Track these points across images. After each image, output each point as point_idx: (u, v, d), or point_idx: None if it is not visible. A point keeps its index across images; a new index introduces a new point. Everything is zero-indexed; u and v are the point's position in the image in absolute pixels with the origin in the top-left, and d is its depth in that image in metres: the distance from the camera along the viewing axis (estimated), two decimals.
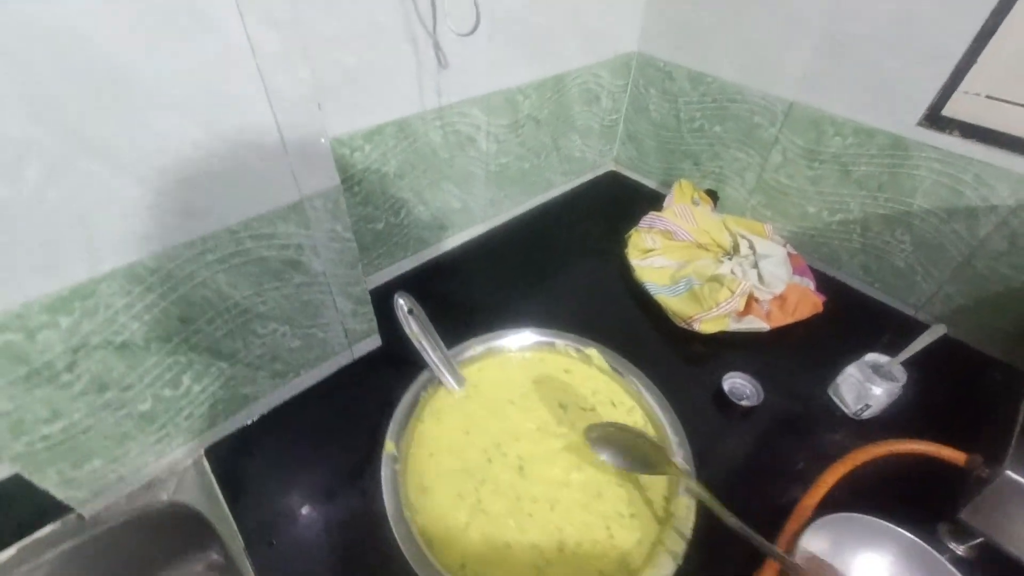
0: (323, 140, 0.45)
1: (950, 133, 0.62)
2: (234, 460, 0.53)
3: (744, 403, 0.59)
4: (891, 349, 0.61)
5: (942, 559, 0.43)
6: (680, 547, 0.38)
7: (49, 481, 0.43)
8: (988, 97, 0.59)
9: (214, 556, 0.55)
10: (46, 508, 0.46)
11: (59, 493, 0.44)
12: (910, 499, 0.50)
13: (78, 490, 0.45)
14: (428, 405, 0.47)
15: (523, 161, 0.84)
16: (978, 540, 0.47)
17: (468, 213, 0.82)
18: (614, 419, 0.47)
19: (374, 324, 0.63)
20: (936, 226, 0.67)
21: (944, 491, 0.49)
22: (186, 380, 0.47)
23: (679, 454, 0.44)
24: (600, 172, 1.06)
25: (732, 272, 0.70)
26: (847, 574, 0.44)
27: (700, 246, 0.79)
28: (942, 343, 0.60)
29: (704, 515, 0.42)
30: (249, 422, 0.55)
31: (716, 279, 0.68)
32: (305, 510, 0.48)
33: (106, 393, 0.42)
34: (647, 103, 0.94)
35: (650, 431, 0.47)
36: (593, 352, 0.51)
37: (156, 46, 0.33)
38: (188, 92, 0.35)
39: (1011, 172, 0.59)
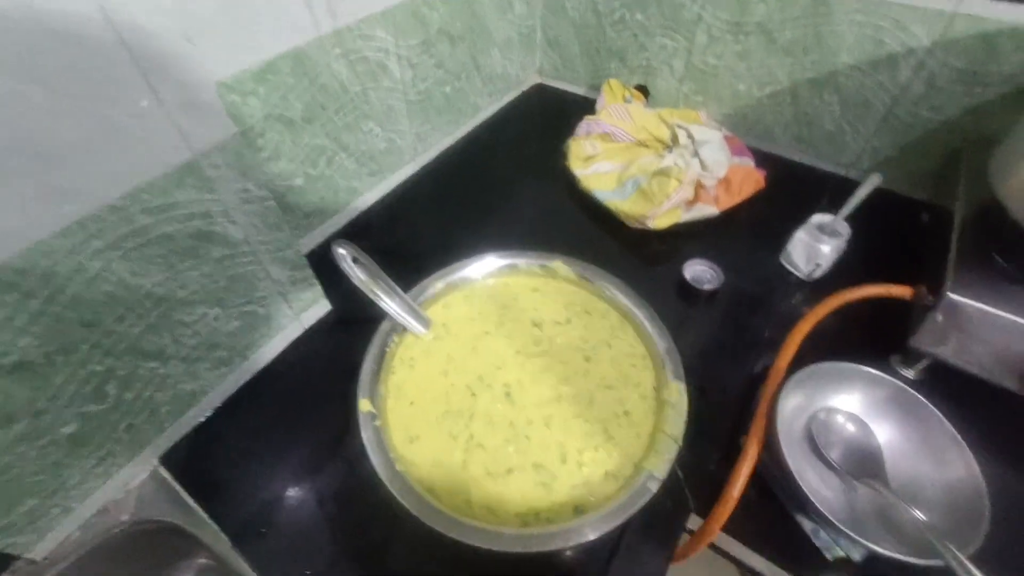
0: (208, 85, 0.37)
1: None
2: (196, 462, 0.48)
3: (707, 287, 0.60)
4: (831, 209, 0.63)
5: (899, 383, 0.46)
6: (679, 428, 0.38)
7: None
8: None
9: (201, 561, 0.52)
10: None
11: None
12: (864, 339, 0.54)
13: (18, 535, 0.40)
14: (397, 354, 0.44)
15: (444, 85, 0.77)
16: (925, 363, 0.52)
17: (396, 153, 0.75)
18: (589, 325, 0.46)
19: (318, 289, 0.57)
20: (861, 81, 0.68)
21: (892, 326, 0.53)
22: (112, 390, 0.41)
23: (661, 345, 0.44)
24: (526, 87, 1.00)
25: (676, 164, 0.69)
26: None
27: (640, 143, 0.77)
28: (876, 195, 0.63)
29: (694, 395, 0.43)
30: (203, 419, 0.50)
31: (662, 173, 0.67)
32: (290, 492, 0.46)
33: (15, 425, 0.36)
34: (563, 2, 0.87)
35: (628, 328, 0.46)
36: (558, 264, 0.49)
37: None
38: (11, 40, 0.27)
39: (926, 10, 0.59)
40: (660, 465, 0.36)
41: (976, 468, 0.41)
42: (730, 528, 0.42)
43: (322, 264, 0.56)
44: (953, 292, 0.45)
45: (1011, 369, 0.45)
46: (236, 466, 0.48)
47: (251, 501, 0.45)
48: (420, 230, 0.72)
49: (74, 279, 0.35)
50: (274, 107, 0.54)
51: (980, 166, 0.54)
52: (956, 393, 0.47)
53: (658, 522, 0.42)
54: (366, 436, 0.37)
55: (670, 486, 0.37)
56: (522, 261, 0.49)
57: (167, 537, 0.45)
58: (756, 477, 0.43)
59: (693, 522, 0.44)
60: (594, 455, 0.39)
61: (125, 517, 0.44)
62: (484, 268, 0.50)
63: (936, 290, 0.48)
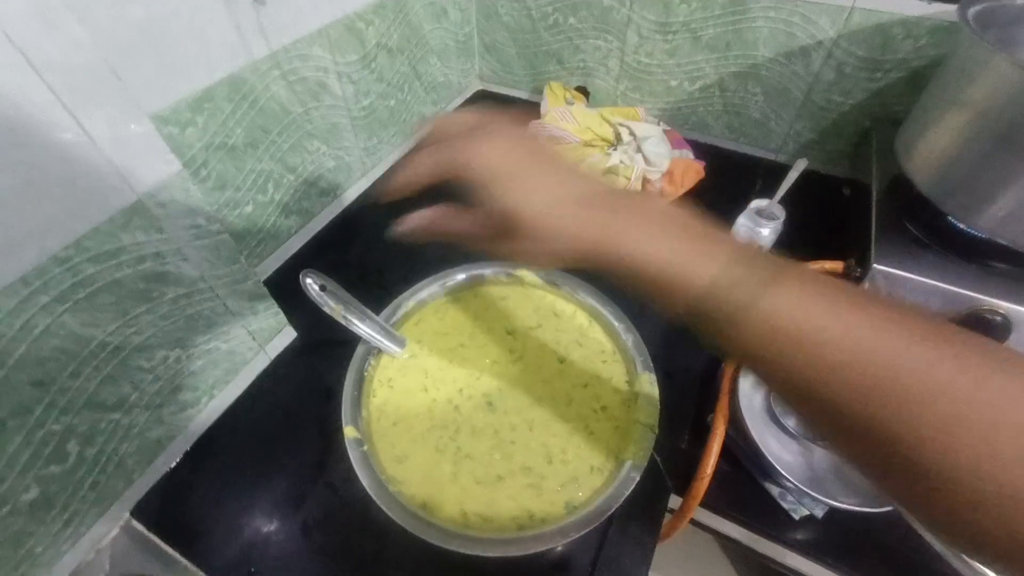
0: (142, 119, 0.36)
1: None
2: (171, 510, 0.46)
3: None
4: (765, 193, 0.68)
5: None
6: (654, 417, 0.41)
7: None
8: None
9: None
10: None
11: None
12: None
13: None
14: (375, 377, 0.44)
15: (387, 99, 0.77)
16: None
17: (346, 170, 0.74)
18: (559, 327, 0.48)
19: (281, 316, 0.56)
20: (779, 71, 0.73)
21: None
22: (72, 448, 0.39)
23: (628, 339, 0.46)
24: (469, 93, 1.01)
25: (622, 161, 0.72)
26: None
27: (587, 144, 0.80)
28: (803, 176, 0.69)
29: (664, 384, 0.45)
30: (173, 464, 0.49)
31: (611, 171, 0.70)
32: (275, 526, 0.45)
33: None
34: (496, 8, 0.89)
35: (596, 327, 0.48)
36: (524, 272, 0.50)
37: None
38: None
39: (829, 4, 0.65)
40: (640, 454, 0.39)
41: None
42: (706, 502, 0.45)
43: (282, 291, 0.55)
44: (877, 263, 0.50)
45: None
46: (214, 508, 0.46)
47: (235, 541, 0.44)
48: (379, 243, 0.71)
49: (20, 339, 0.33)
50: (214, 135, 0.53)
51: (888, 144, 0.60)
52: None
53: (642, 507, 0.44)
54: (356, 460, 0.37)
55: (650, 471, 0.40)
56: (488, 271, 0.50)
57: None
58: (725, 451, 0.46)
59: (673, 502, 0.47)
60: (577, 451, 0.41)
61: None
62: (450, 282, 0.51)
63: (863, 261, 0.53)
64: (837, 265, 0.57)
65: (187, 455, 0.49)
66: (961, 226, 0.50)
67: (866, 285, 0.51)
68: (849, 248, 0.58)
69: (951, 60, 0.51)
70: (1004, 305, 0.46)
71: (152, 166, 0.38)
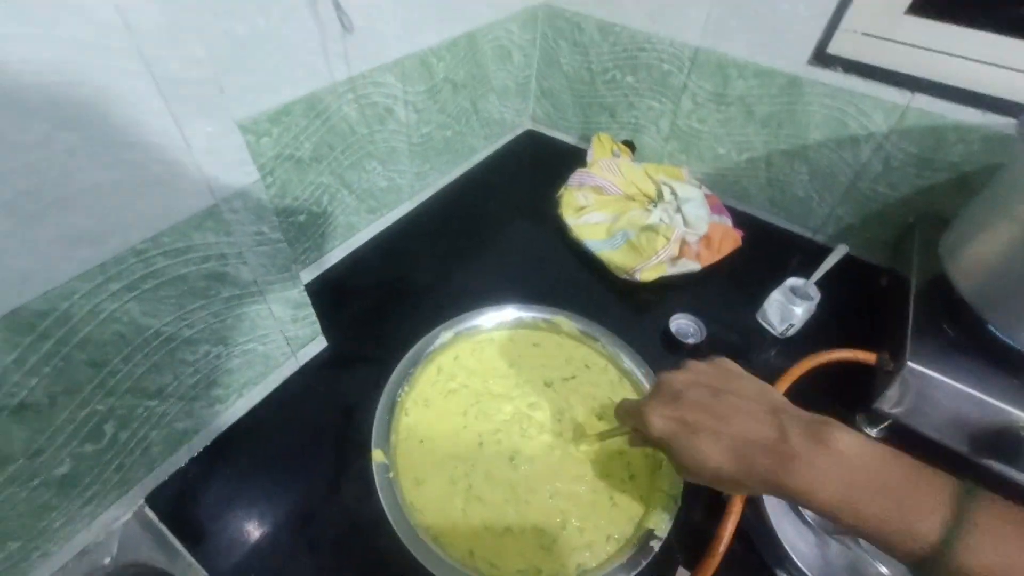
0: (233, 129, 0.38)
1: (835, 69, 0.68)
2: (183, 503, 0.47)
3: (690, 341, 0.63)
4: (801, 270, 0.68)
5: None
6: (678, 488, 0.41)
7: None
8: (864, 34, 0.66)
9: None
10: None
11: None
12: (834, 398, 0.58)
13: None
14: (411, 396, 0.45)
15: (445, 129, 0.80)
16: (887, 424, 0.56)
17: (396, 191, 0.77)
18: (592, 380, 0.48)
19: (317, 326, 0.58)
20: (828, 156, 0.75)
21: (859, 387, 0.57)
22: (109, 429, 0.40)
23: None
24: (518, 132, 1.04)
25: (661, 219, 0.74)
26: None
27: (628, 197, 0.82)
28: (842, 259, 0.69)
29: None
30: (192, 457, 0.49)
31: (651, 228, 0.71)
32: (283, 537, 0.45)
33: (9, 467, 0.35)
34: (558, 56, 0.93)
35: (627, 384, 0.49)
36: (561, 320, 0.51)
37: None
38: (51, 91, 0.28)
39: (883, 101, 0.67)
40: (662, 524, 0.38)
41: None
42: None
43: (318, 299, 0.57)
44: (912, 361, 0.50)
45: (963, 435, 0.50)
46: (225, 508, 0.47)
47: (240, 545, 0.44)
48: (415, 266, 0.73)
49: (89, 321, 0.35)
50: (285, 147, 0.56)
51: (931, 241, 0.60)
52: (914, 452, 0.52)
53: None
54: (380, 487, 0.38)
55: (663, 543, 0.39)
56: (527, 315, 0.51)
57: None
58: (740, 532, 0.45)
59: (681, 574, 0.46)
60: (597, 522, 0.40)
61: (107, 560, 0.43)
62: (496, 319, 0.51)
63: (896, 357, 0.52)
64: (870, 356, 0.56)
65: (207, 450, 0.50)
66: (1002, 337, 0.50)
67: (898, 383, 0.51)
68: (883, 341, 0.58)
69: (1006, 172, 0.52)
70: None
71: (234, 174, 0.40)
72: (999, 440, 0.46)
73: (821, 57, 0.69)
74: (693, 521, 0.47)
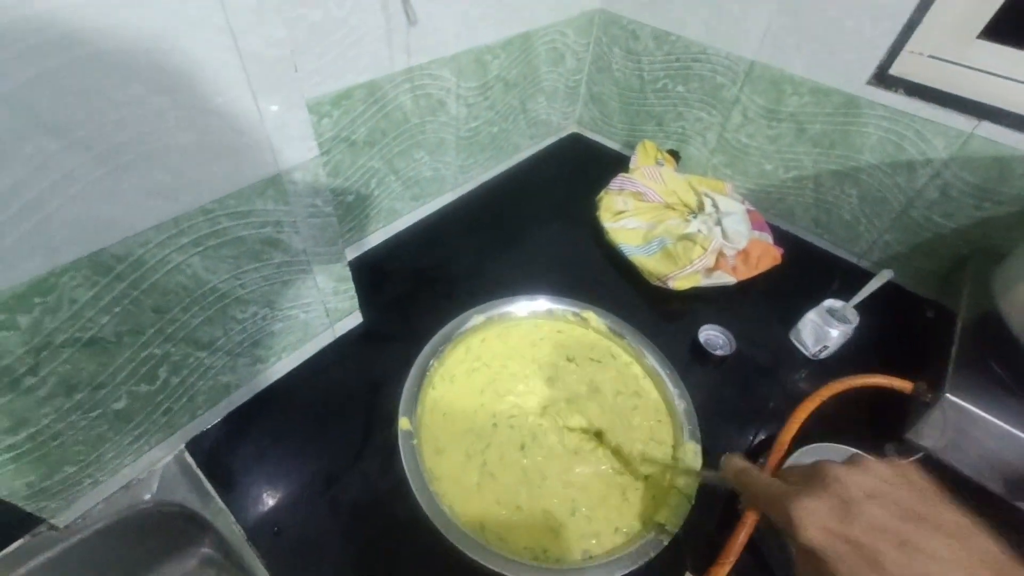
0: (301, 107, 0.41)
1: (896, 91, 0.67)
2: (220, 452, 0.50)
3: (719, 353, 0.63)
4: (840, 294, 0.67)
5: None
6: (692, 488, 0.41)
7: (17, 495, 0.39)
8: (931, 57, 0.64)
9: (206, 551, 0.53)
10: (12, 522, 0.42)
11: (28, 506, 0.41)
12: (864, 424, 0.57)
13: (50, 500, 0.42)
14: (439, 372, 0.47)
15: (492, 125, 0.82)
16: (918, 455, 0.54)
17: (440, 181, 0.79)
18: (615, 369, 0.49)
19: (355, 301, 0.60)
20: (880, 179, 0.73)
21: (890, 415, 0.55)
22: (163, 373, 0.44)
23: (680, 404, 0.46)
24: (563, 135, 1.05)
25: (700, 231, 0.73)
26: None
27: (668, 206, 0.81)
28: (885, 286, 0.67)
29: (705, 458, 0.45)
30: (231, 411, 0.53)
31: (688, 238, 0.71)
32: (307, 495, 0.47)
33: (76, 395, 0.38)
34: (610, 62, 0.93)
35: (649, 385, 0.49)
36: (591, 315, 0.52)
37: (111, 3, 0.28)
38: (150, 57, 0.31)
39: (947, 127, 0.65)
40: (673, 520, 0.39)
41: None
42: None
43: (358, 277, 0.59)
44: (952, 394, 0.48)
45: (999, 474, 0.48)
46: (257, 461, 0.49)
47: (268, 498, 0.47)
48: (452, 255, 0.75)
49: (158, 269, 0.38)
50: (342, 129, 0.59)
51: (984, 275, 0.58)
52: (946, 489, 0.50)
53: None
54: (404, 452, 0.40)
55: (672, 545, 0.40)
56: (558, 307, 0.52)
57: (182, 522, 0.47)
58: (751, 544, 0.45)
59: None
60: (606, 513, 0.41)
61: (147, 496, 0.46)
62: (528, 308, 0.53)
63: (935, 388, 0.51)
64: (906, 385, 0.55)
65: (245, 406, 0.53)
66: None
67: (935, 414, 0.49)
68: (921, 370, 0.56)
69: None
70: None
71: (297, 148, 0.43)
72: None
73: (883, 78, 0.67)
74: (705, 526, 0.47)
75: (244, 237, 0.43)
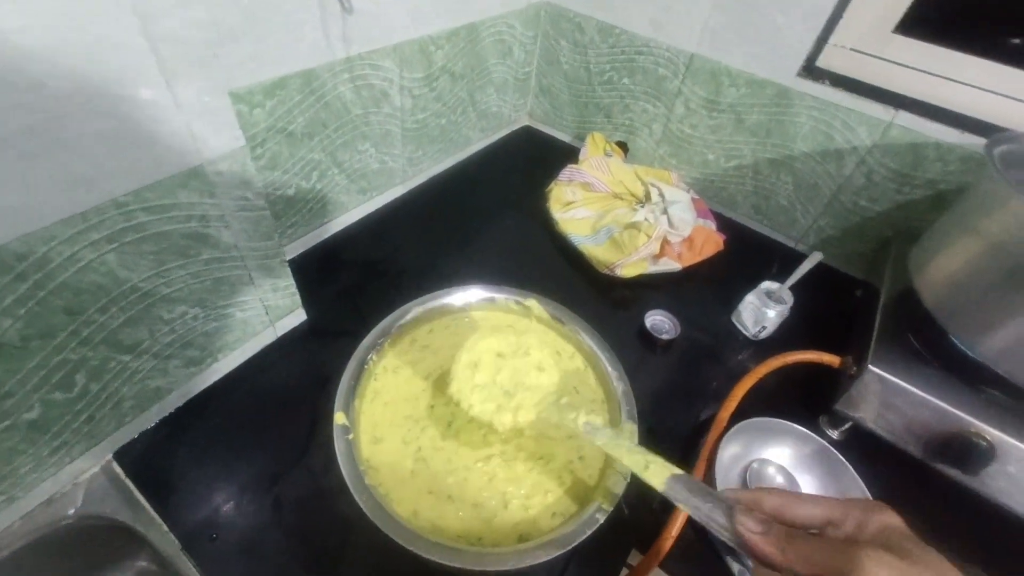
0: (224, 95, 0.39)
1: (823, 83, 0.70)
2: (152, 460, 0.48)
3: (664, 337, 0.65)
4: (779, 277, 0.70)
5: (823, 441, 0.52)
6: (627, 468, 0.42)
7: None
8: (852, 50, 0.68)
9: (142, 564, 0.51)
10: None
11: None
12: (799, 399, 0.60)
13: None
14: (381, 364, 0.46)
15: (440, 117, 0.81)
16: (848, 425, 0.57)
17: (388, 174, 0.78)
18: (559, 367, 0.49)
19: (297, 298, 0.58)
20: (812, 167, 0.77)
21: (823, 390, 0.59)
22: (80, 380, 0.41)
23: (619, 387, 0.47)
24: (515, 127, 1.05)
25: (646, 219, 0.75)
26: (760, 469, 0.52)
27: (616, 196, 0.83)
28: (818, 268, 0.71)
29: (647, 440, 0.46)
30: (164, 416, 0.50)
31: (633, 226, 0.72)
32: (247, 497, 0.46)
33: None
34: (558, 55, 0.94)
35: (590, 372, 0.50)
36: (533, 303, 0.52)
37: None
38: (51, 37, 0.29)
39: (869, 117, 0.69)
40: (609, 498, 0.39)
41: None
42: (666, 565, 0.45)
43: (303, 274, 0.58)
44: (874, 366, 0.52)
45: (918, 438, 0.51)
46: (193, 468, 0.47)
47: (205, 504, 0.45)
48: (402, 249, 0.74)
49: (67, 267, 0.36)
50: (278, 120, 0.57)
51: (904, 255, 0.62)
52: (872, 454, 0.53)
53: (601, 555, 0.44)
54: (339, 448, 0.39)
55: (616, 522, 0.40)
56: (500, 296, 0.52)
57: (112, 535, 0.44)
58: (694, 519, 0.47)
59: (634, 558, 0.47)
60: (543, 499, 0.41)
61: (71, 511, 0.43)
62: (466, 298, 0.53)
63: (860, 362, 0.54)
64: (834, 359, 0.58)
65: (179, 411, 0.51)
66: (962, 348, 0.51)
67: (858, 386, 0.52)
68: (850, 346, 0.60)
69: (973, 190, 0.53)
70: (992, 431, 0.47)
71: (221, 138, 0.41)
72: (951, 445, 0.48)
73: (810, 70, 0.70)
74: (649, 505, 0.48)
75: (167, 232, 0.41)
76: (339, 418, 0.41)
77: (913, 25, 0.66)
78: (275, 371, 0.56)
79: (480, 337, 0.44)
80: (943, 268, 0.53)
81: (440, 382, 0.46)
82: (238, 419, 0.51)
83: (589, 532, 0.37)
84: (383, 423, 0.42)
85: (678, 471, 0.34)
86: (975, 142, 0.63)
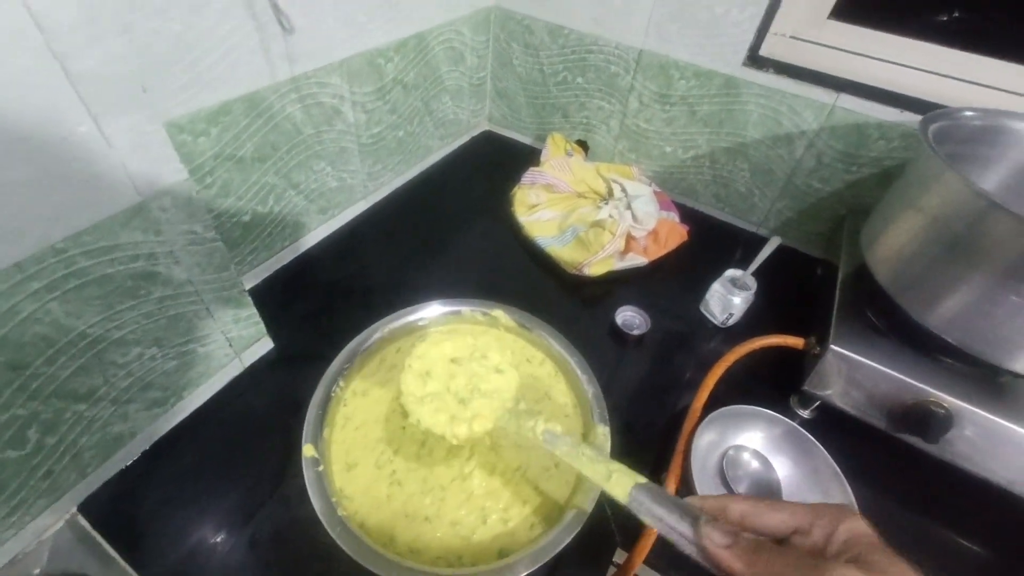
0: (159, 128, 0.38)
1: (767, 71, 0.72)
2: (120, 509, 0.46)
3: (635, 332, 0.65)
4: (743, 263, 0.71)
5: (792, 423, 0.53)
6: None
7: None
8: (792, 38, 0.69)
9: None
10: None
11: None
12: (771, 382, 0.62)
13: None
14: (350, 388, 0.45)
15: (397, 129, 0.80)
16: (817, 404, 0.59)
17: (348, 191, 0.77)
18: (528, 374, 0.49)
19: (261, 327, 0.57)
20: (765, 152, 0.79)
21: (792, 371, 0.60)
22: (33, 435, 0.39)
23: (590, 390, 0.48)
24: (475, 132, 1.05)
25: (610, 216, 0.76)
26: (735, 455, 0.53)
27: (579, 195, 0.83)
28: (780, 251, 0.73)
29: (623, 432, 0.47)
30: (130, 462, 0.48)
31: (598, 224, 0.73)
32: (222, 538, 0.45)
33: None
34: (511, 58, 0.94)
35: (561, 378, 0.50)
36: (499, 313, 0.52)
37: None
38: None
39: (813, 101, 0.71)
40: (586, 502, 0.40)
41: (851, 495, 0.47)
42: (651, 560, 0.45)
43: (267, 301, 0.57)
44: (835, 344, 0.53)
45: (881, 411, 0.53)
46: (164, 512, 0.46)
47: (179, 549, 0.44)
48: (369, 266, 0.73)
49: (6, 322, 0.34)
50: (225, 146, 0.55)
51: (857, 232, 0.64)
52: (841, 430, 0.55)
53: (588, 557, 0.45)
54: (309, 482, 0.38)
55: (598, 523, 0.41)
56: (466, 308, 0.52)
57: None
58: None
59: (620, 556, 0.48)
60: (521, 511, 0.41)
61: (36, 571, 0.42)
62: (430, 313, 0.52)
63: (822, 341, 0.56)
64: (798, 341, 0.60)
65: (145, 455, 0.49)
66: (915, 320, 0.53)
67: (822, 365, 0.54)
68: (813, 327, 0.61)
69: (912, 167, 0.56)
70: (948, 399, 0.49)
71: (160, 172, 0.40)
72: (910, 415, 0.50)
73: (754, 59, 0.72)
74: None
75: (111, 275, 0.39)
76: (307, 451, 0.40)
77: (846, 10, 0.68)
78: (244, 403, 0.54)
79: (432, 343, 0.43)
80: (890, 244, 0.55)
81: (412, 402, 0.46)
82: (209, 457, 0.50)
83: (567, 540, 0.37)
84: (356, 448, 0.42)
85: (643, 480, 0.33)
86: (913, 119, 0.66)
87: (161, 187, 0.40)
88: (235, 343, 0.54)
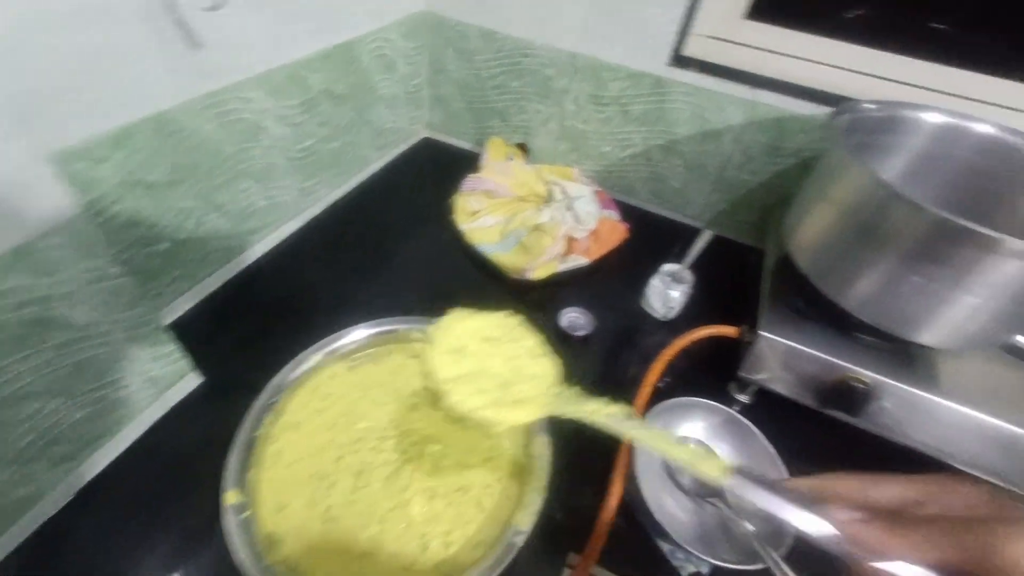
0: (41, 161, 0.35)
1: (691, 70, 0.74)
2: None
3: (580, 333, 0.66)
4: (682, 257, 0.73)
5: (729, 410, 0.55)
6: (543, 480, 0.42)
7: None
8: (711, 37, 0.72)
9: None
10: None
11: None
12: (711, 371, 0.64)
13: None
14: (279, 422, 0.43)
15: (330, 141, 0.78)
16: (753, 388, 0.62)
17: (279, 208, 0.73)
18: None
19: (184, 362, 0.54)
20: (696, 148, 0.81)
21: (729, 359, 0.62)
22: None
23: None
24: (414, 140, 1.03)
25: (551, 218, 0.76)
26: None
27: (521, 199, 0.83)
28: (716, 242, 0.75)
29: (571, 442, 0.46)
30: (37, 527, 0.44)
31: (539, 228, 0.73)
32: None
33: None
34: (446, 64, 0.93)
35: None
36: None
37: None
38: None
39: (736, 98, 0.73)
40: (526, 518, 0.39)
41: (785, 475, 0.50)
42: (603, 560, 0.46)
43: (194, 331, 0.53)
44: (764, 330, 0.55)
45: (809, 390, 0.56)
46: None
47: None
48: (307, 286, 0.71)
49: None
50: (132, 172, 0.52)
51: (782, 222, 0.67)
52: (777, 413, 0.57)
53: (543, 564, 0.44)
54: (233, 531, 0.36)
55: (549, 530, 0.41)
56: (402, 327, 0.51)
57: None
58: (624, 509, 0.48)
59: (575, 559, 0.48)
60: (464, 532, 0.40)
61: None
62: (360, 336, 0.51)
63: (753, 328, 0.58)
64: (732, 330, 0.62)
65: (57, 516, 0.45)
66: (834, 301, 0.56)
67: (754, 350, 0.56)
68: (747, 315, 0.64)
69: (824, 158, 0.59)
70: (868, 374, 0.52)
71: (47, 207, 0.37)
72: (835, 391, 0.52)
73: (679, 59, 0.74)
74: (580, 506, 0.49)
75: None
76: (230, 498, 0.38)
77: (760, 10, 0.71)
78: (170, 447, 0.51)
79: (457, 319, 0.39)
80: (807, 232, 0.58)
81: (346, 427, 0.44)
82: (131, 511, 0.46)
83: (510, 559, 0.37)
84: (288, 487, 0.40)
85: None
86: (826, 112, 0.69)
87: (51, 224, 0.37)
88: (157, 382, 0.51)
